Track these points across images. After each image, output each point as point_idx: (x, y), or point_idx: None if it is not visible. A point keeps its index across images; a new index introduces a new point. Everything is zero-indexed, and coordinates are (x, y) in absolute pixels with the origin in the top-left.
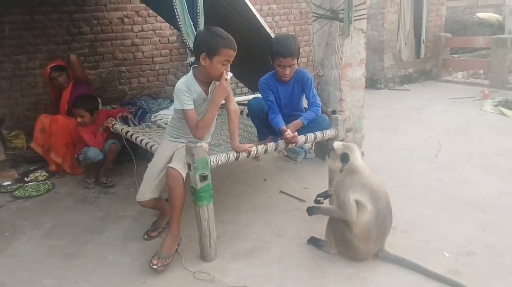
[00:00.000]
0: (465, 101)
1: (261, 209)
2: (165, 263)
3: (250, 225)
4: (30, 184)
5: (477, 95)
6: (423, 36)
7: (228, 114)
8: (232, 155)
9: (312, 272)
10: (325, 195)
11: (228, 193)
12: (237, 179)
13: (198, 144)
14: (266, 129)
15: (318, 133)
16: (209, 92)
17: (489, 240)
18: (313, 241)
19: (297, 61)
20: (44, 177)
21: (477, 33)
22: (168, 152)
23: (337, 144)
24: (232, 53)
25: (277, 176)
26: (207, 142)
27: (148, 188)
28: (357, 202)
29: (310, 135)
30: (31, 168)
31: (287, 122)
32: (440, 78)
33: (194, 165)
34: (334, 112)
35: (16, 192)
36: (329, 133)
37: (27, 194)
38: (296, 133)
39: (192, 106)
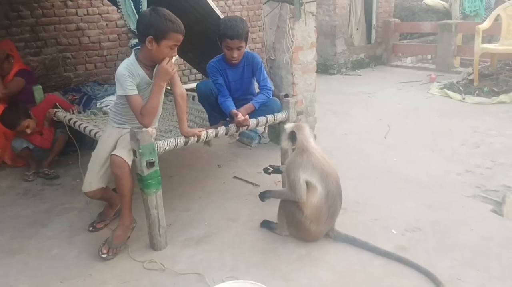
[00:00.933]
0: (414, 85)
1: (215, 195)
2: (115, 252)
3: (203, 211)
4: None
5: (425, 79)
6: (374, 22)
7: (175, 99)
8: (181, 140)
9: (265, 254)
10: (276, 169)
11: (181, 180)
12: (190, 166)
13: (144, 129)
14: (217, 114)
15: (270, 117)
16: (153, 76)
17: (434, 217)
18: (266, 224)
19: (246, 44)
20: None
21: (424, 20)
22: (112, 139)
23: (288, 125)
24: (181, 38)
25: (231, 162)
26: (155, 128)
27: (94, 177)
28: (307, 183)
29: (262, 119)
30: None
31: (238, 107)
32: (390, 63)
33: (140, 151)
34: (286, 96)
35: None
36: (280, 116)
37: None
38: (247, 116)
39: (136, 92)
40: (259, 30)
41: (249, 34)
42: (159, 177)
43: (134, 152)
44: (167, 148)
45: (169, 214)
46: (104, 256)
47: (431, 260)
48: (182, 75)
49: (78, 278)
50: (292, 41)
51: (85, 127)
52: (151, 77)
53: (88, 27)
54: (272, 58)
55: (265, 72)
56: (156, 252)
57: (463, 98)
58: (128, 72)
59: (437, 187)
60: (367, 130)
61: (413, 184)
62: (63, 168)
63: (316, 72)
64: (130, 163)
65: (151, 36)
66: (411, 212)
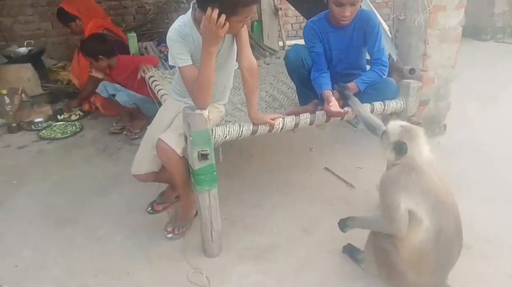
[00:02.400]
0: None
1: (296, 191)
2: (182, 231)
3: (276, 211)
4: (59, 123)
5: None
6: None
7: (241, 73)
8: (247, 128)
9: None
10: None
11: (261, 163)
12: (277, 146)
13: (197, 111)
14: (309, 91)
15: (378, 104)
16: None
17: None
18: (350, 250)
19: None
20: (78, 116)
21: None
22: (170, 114)
23: (393, 126)
24: (254, 8)
25: (326, 147)
26: (223, 104)
27: (144, 157)
28: (410, 213)
29: (365, 107)
30: None
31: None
32: None
33: (191, 138)
34: (412, 71)
35: (43, 132)
36: (393, 105)
37: (53, 135)
38: (347, 109)
39: (188, 62)
40: None
41: None
42: (215, 173)
43: (186, 137)
44: (227, 137)
45: (235, 207)
46: (169, 235)
47: None
48: (298, 29)
49: (113, 275)
50: None
51: (159, 90)
52: None
53: None
54: (401, 18)
55: (382, 40)
56: (207, 259)
57: None
58: (179, 36)
59: None
60: None
61: None
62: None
63: (462, 37)
64: (179, 150)
65: (215, 9)
66: None
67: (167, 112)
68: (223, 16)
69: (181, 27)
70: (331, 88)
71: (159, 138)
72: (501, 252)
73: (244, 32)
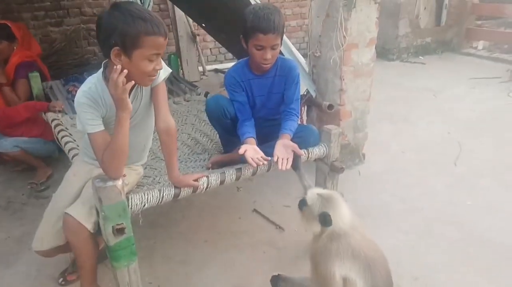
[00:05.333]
0: (490, 82)
1: (224, 239)
2: None
3: (205, 267)
4: None
5: (504, 76)
6: (446, 1)
7: (158, 136)
8: (168, 193)
9: None
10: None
11: (187, 207)
12: None
13: (110, 182)
14: (233, 137)
15: (302, 152)
16: (131, 100)
17: None
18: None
19: (281, 42)
20: None
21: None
22: (79, 180)
23: (312, 196)
24: (162, 41)
25: (253, 184)
26: (141, 165)
27: (48, 232)
28: (344, 278)
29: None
30: None
31: (263, 129)
32: (460, 50)
33: (103, 213)
34: (330, 107)
35: None
36: (317, 151)
37: None
38: (262, 159)
39: (99, 127)
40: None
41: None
42: (133, 246)
43: (98, 210)
44: (146, 206)
45: (161, 266)
46: None
47: None
48: (218, 53)
49: None
50: (345, 37)
51: (66, 142)
52: None
53: None
54: (317, 55)
55: (299, 91)
56: None
57: None
58: (88, 99)
59: None
60: (431, 148)
61: (497, 251)
62: (59, 172)
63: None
64: (90, 225)
65: (116, 47)
66: None
67: (76, 178)
68: (124, 73)
69: (90, 89)
70: (254, 136)
71: (66, 213)
72: None
73: (162, 90)
